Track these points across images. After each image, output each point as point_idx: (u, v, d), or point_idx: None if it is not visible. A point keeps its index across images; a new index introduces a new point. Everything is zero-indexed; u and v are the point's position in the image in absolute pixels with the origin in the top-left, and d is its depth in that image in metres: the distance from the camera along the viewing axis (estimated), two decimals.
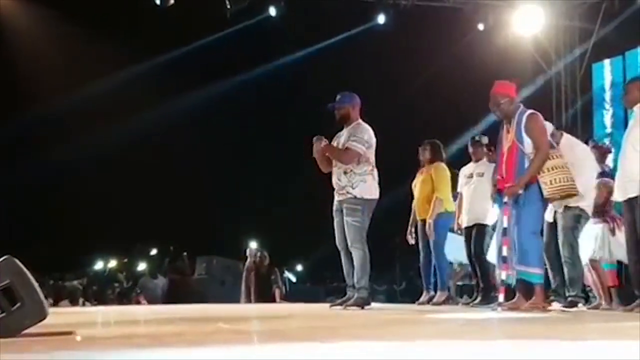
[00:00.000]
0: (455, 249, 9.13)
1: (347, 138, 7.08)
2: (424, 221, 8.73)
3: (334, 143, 7.26)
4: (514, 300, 6.31)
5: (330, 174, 7.19)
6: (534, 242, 6.19)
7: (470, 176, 8.52)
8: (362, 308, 6.86)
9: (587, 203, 6.98)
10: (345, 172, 7.02)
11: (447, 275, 8.91)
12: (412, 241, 9.06)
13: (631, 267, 6.60)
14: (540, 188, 6.15)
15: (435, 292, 8.69)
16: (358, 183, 6.98)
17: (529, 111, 6.29)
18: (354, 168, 7.00)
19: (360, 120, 7.18)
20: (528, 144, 6.18)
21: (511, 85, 6.53)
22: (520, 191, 6.15)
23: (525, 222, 6.14)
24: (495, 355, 2.65)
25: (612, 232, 7.36)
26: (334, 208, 7.17)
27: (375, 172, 7.12)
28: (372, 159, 7.10)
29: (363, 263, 6.95)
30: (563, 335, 3.71)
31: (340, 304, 7.11)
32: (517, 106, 6.36)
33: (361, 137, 7.02)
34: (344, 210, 7.01)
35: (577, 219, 6.97)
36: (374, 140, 7.11)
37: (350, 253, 7.05)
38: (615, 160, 7.27)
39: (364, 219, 6.99)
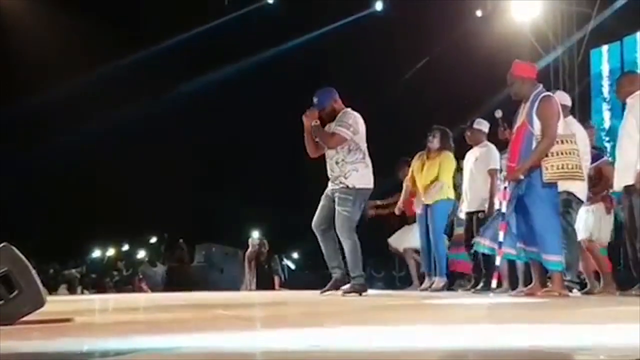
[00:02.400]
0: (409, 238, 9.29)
1: (334, 126, 7.04)
2: (425, 207, 8.72)
3: None
4: (530, 286, 6.29)
5: (323, 161, 7.14)
6: (550, 229, 6.06)
7: (467, 161, 8.51)
8: (360, 294, 6.86)
9: (578, 187, 6.88)
10: (337, 162, 6.97)
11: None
12: (398, 212, 9.15)
13: (631, 253, 6.60)
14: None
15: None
16: (350, 172, 6.92)
17: (544, 93, 6.15)
18: (345, 157, 6.94)
19: (347, 109, 7.11)
20: (537, 126, 6.04)
21: (529, 66, 6.44)
22: (522, 176, 6.07)
23: (540, 211, 6.04)
24: (502, 341, 2.64)
25: (608, 210, 7.35)
26: (325, 192, 7.14)
27: (368, 160, 7.04)
28: (363, 146, 7.02)
29: (354, 252, 6.90)
30: (571, 320, 3.70)
31: (330, 289, 7.08)
32: (534, 87, 6.21)
33: (346, 122, 6.94)
34: (336, 200, 6.96)
35: (568, 203, 6.87)
36: (361, 126, 7.02)
37: (328, 236, 7.01)
38: (613, 148, 7.25)
39: (355, 209, 6.93)
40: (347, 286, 6.93)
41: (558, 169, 5.98)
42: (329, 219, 7.03)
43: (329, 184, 7.10)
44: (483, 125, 8.44)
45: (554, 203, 6.16)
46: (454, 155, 8.83)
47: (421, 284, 9.24)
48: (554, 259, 6.03)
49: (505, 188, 6.30)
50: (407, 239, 9.59)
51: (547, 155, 5.98)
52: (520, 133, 6.18)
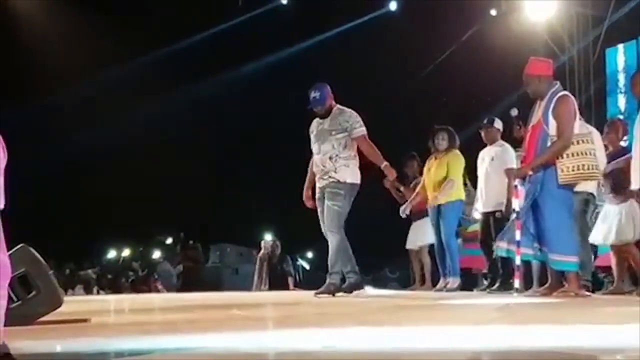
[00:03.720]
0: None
1: (335, 124, 6.98)
2: (437, 207, 8.69)
3: (314, 131, 7.19)
4: (546, 285, 6.24)
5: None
6: (565, 229, 5.99)
7: (483, 160, 8.47)
8: (351, 292, 6.81)
9: (593, 187, 6.83)
10: (330, 158, 6.94)
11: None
12: (403, 214, 9.12)
13: None
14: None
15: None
16: (341, 167, 6.90)
17: (561, 92, 6.05)
18: (340, 152, 6.93)
19: (340, 106, 7.11)
20: (553, 126, 5.97)
21: (545, 64, 6.35)
22: (531, 173, 6.03)
23: (553, 211, 5.96)
24: (518, 341, 2.64)
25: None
26: (317, 196, 7.07)
27: (357, 157, 7.03)
28: (355, 144, 7.03)
29: (340, 247, 6.85)
30: (587, 321, 3.69)
31: (325, 293, 6.94)
32: (551, 85, 6.14)
33: (358, 120, 6.98)
34: (327, 194, 6.92)
35: (586, 202, 6.83)
36: None
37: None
38: (630, 146, 7.15)
39: (345, 203, 6.89)
40: (343, 285, 6.88)
41: (573, 170, 5.90)
42: None
43: (317, 180, 7.06)
44: (500, 124, 8.40)
45: (568, 204, 6.09)
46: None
47: (423, 284, 9.21)
48: (569, 260, 5.96)
49: (516, 187, 6.26)
50: (420, 237, 9.53)
51: (562, 157, 5.92)
52: (535, 132, 6.10)
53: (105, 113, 17.64)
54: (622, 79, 13.63)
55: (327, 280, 6.91)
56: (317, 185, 7.06)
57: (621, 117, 12.84)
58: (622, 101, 13.65)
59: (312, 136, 7.22)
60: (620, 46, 13.81)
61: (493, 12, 14.80)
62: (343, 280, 6.97)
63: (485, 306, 5.40)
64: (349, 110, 7.05)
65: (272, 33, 16.85)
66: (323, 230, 7.08)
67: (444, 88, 15.83)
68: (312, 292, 7.08)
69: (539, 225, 6.03)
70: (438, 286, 8.78)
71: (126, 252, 21.09)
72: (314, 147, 7.13)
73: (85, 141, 17.49)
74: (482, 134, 8.47)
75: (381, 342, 2.69)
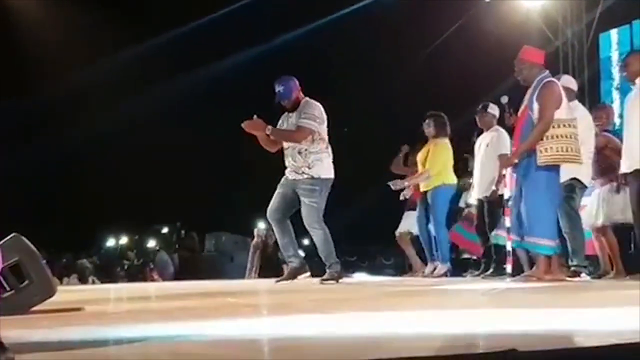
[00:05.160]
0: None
1: (299, 117, 6.91)
2: (424, 194, 8.73)
3: (284, 124, 7.13)
4: (532, 270, 6.29)
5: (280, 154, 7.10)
6: (542, 213, 6.04)
7: (479, 146, 8.48)
8: (337, 281, 6.84)
9: (581, 172, 6.84)
10: (299, 152, 6.88)
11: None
12: (407, 195, 9.17)
13: (639, 238, 6.54)
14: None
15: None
16: (314, 163, 6.85)
17: (547, 79, 6.12)
18: (309, 147, 6.86)
19: (308, 98, 7.05)
20: (537, 111, 6.04)
21: (537, 51, 6.40)
22: (516, 161, 6.08)
23: (531, 193, 6.05)
24: (510, 325, 2.65)
25: (617, 190, 7.21)
26: (282, 182, 7.05)
27: (330, 150, 7.00)
28: (326, 136, 6.98)
29: (325, 241, 6.87)
30: (576, 304, 3.71)
31: (288, 278, 7.04)
32: (540, 72, 6.20)
33: (312, 113, 6.89)
34: (301, 191, 6.90)
35: (572, 188, 6.83)
36: (325, 116, 6.97)
37: (284, 225, 6.98)
38: (620, 131, 7.16)
39: (321, 199, 6.88)
40: (325, 275, 6.90)
41: (554, 151, 5.93)
42: (285, 209, 6.99)
43: (289, 173, 7.02)
44: (495, 110, 8.39)
45: (549, 187, 6.07)
46: (453, 139, 8.81)
47: (410, 270, 9.24)
48: (544, 243, 5.99)
49: (504, 175, 6.31)
50: (404, 224, 9.58)
51: (543, 139, 5.95)
52: (521, 119, 6.18)
53: (102, 102, 17.63)
54: (615, 64, 13.64)
55: (328, 271, 6.91)
56: (287, 174, 7.01)
57: (614, 102, 12.89)
58: (615, 86, 13.67)
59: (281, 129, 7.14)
60: (614, 31, 13.81)
61: None
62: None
63: (478, 291, 5.42)
64: (314, 103, 6.97)
65: (267, 19, 16.81)
66: (271, 212, 7.01)
67: (437, 75, 15.81)
68: (307, 279, 7.09)
69: (520, 209, 6.08)
70: (426, 272, 8.82)
71: (122, 241, 21.10)
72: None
73: (82, 130, 17.47)
74: (477, 120, 8.49)
75: (375, 328, 2.69)
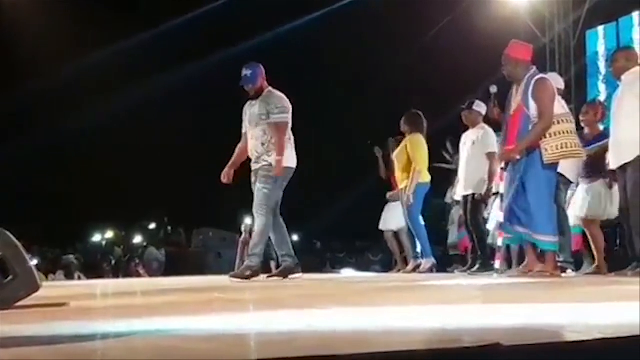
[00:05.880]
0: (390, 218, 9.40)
1: (263, 108, 6.89)
2: (403, 190, 8.77)
3: (247, 113, 7.10)
4: (524, 264, 6.33)
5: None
6: (544, 209, 6.08)
7: (464, 144, 8.51)
8: (286, 277, 6.76)
9: (566, 167, 6.89)
10: (263, 144, 6.85)
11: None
12: (391, 199, 9.21)
13: (627, 232, 6.58)
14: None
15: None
16: (275, 151, 6.79)
17: (539, 75, 6.18)
18: (272, 138, 6.82)
19: (271, 89, 7.01)
20: (534, 108, 6.05)
21: (524, 48, 6.42)
22: (518, 157, 6.10)
23: (533, 189, 6.05)
24: (497, 320, 2.66)
25: (610, 187, 7.27)
26: (252, 180, 7.00)
27: (292, 139, 6.96)
28: (290, 126, 6.95)
29: (261, 231, 6.76)
30: (565, 299, 3.72)
31: (238, 277, 6.85)
32: (528, 69, 6.24)
33: (283, 105, 6.88)
34: (258, 177, 6.84)
35: (556, 184, 6.88)
36: (290, 106, 6.96)
37: (275, 223, 6.87)
38: (607, 128, 7.20)
39: (276, 187, 6.79)
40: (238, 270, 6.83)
41: (558, 148, 6.00)
42: None
43: (252, 164, 6.97)
44: (481, 108, 8.42)
45: (552, 185, 6.21)
46: (426, 135, 8.84)
47: (406, 266, 9.30)
48: (548, 239, 6.05)
49: (502, 169, 6.32)
50: (397, 219, 9.59)
51: (545, 137, 5.99)
52: (517, 116, 6.20)
53: (88, 98, 17.59)
54: (601, 61, 13.69)
55: (245, 262, 6.85)
56: (252, 169, 6.97)
57: (601, 99, 12.94)
58: (601, 83, 13.73)
59: (244, 118, 7.13)
60: (601, 28, 13.87)
61: None
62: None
63: (464, 287, 5.44)
64: (278, 94, 6.94)
65: (257, 14, 16.79)
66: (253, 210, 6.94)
67: (426, 71, 15.85)
68: (296, 275, 7.07)
69: (523, 206, 6.10)
70: (408, 268, 8.84)
71: (109, 236, 21.04)
72: (248, 131, 7.02)
73: (69, 127, 17.41)
74: (463, 118, 8.52)
75: (362, 323, 2.69)
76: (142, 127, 17.97)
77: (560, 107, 6.17)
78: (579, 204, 7.43)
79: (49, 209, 19.42)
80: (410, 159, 8.61)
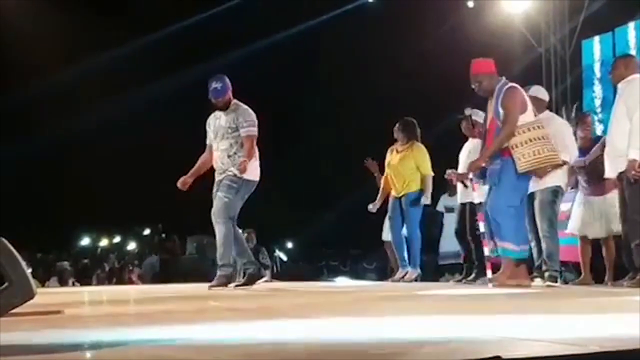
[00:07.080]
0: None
1: (231, 120, 6.91)
2: (400, 198, 8.73)
3: (213, 125, 7.12)
4: (497, 274, 6.33)
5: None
6: (507, 217, 6.07)
7: (463, 153, 8.50)
8: (252, 284, 6.72)
9: (562, 179, 6.90)
10: (229, 155, 6.87)
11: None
12: (373, 210, 9.11)
13: (624, 244, 6.56)
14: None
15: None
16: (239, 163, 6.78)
17: (509, 85, 6.18)
18: (238, 151, 6.84)
19: (237, 102, 7.03)
20: (502, 116, 6.10)
21: (488, 62, 6.44)
22: (483, 164, 6.15)
23: (499, 197, 6.07)
24: (492, 330, 2.65)
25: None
26: (215, 189, 7.00)
27: (257, 153, 6.97)
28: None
29: (224, 240, 6.77)
30: (558, 310, 3.71)
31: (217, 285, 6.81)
32: (497, 80, 6.27)
33: (252, 119, 6.90)
34: (220, 186, 6.85)
35: (555, 194, 6.89)
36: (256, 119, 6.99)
37: (236, 234, 6.88)
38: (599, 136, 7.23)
39: (237, 198, 6.80)
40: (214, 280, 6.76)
41: (531, 156, 5.99)
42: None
43: (216, 175, 6.97)
44: (480, 117, 8.42)
45: (522, 193, 6.18)
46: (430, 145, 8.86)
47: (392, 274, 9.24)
48: (511, 247, 6.04)
49: (471, 180, 6.40)
50: (386, 232, 9.60)
51: (517, 146, 5.99)
52: (491, 128, 6.25)
53: (82, 103, 17.55)
54: (598, 70, 13.71)
55: (218, 273, 6.81)
56: (216, 179, 6.97)
57: (597, 109, 12.99)
58: (598, 93, 13.74)
59: (209, 130, 7.14)
60: (596, 38, 13.89)
61: (470, 4, 14.83)
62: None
63: (460, 297, 5.42)
64: (244, 106, 6.97)
65: (250, 23, 16.80)
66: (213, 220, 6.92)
67: (421, 80, 15.87)
68: (290, 283, 7.06)
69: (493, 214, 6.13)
70: (396, 277, 8.81)
71: (103, 243, 20.99)
72: (213, 143, 7.05)
73: (63, 131, 17.37)
74: (463, 128, 8.52)
75: (359, 333, 2.68)
76: (137, 133, 17.94)
77: (532, 115, 6.19)
78: (573, 217, 7.44)
79: (43, 215, 19.36)
80: (418, 167, 8.61)
